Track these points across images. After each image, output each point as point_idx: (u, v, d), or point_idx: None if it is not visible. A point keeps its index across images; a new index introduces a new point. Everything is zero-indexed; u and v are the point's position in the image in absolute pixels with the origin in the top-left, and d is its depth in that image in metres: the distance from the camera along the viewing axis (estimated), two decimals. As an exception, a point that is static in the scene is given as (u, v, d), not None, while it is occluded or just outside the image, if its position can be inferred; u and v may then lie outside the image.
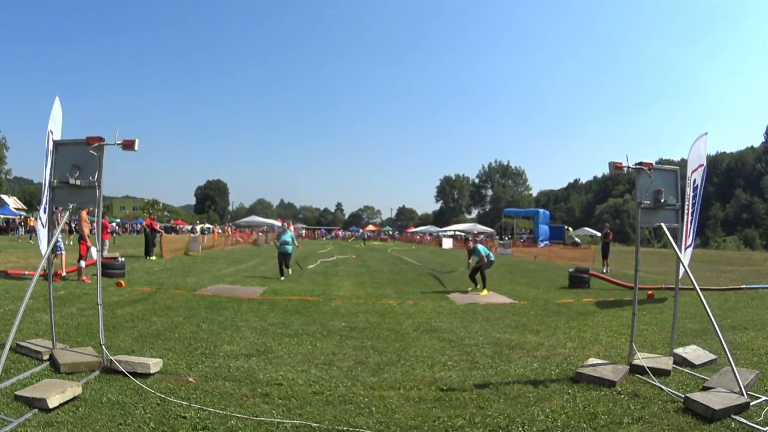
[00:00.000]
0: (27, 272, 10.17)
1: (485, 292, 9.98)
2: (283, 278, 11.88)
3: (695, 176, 5.20)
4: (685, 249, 5.33)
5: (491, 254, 10.49)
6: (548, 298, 9.43)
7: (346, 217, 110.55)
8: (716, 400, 3.37)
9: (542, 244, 37.61)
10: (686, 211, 5.05)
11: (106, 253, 12.12)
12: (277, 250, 12.63)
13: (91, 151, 4.06)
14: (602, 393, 3.81)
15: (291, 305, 7.87)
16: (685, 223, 5.04)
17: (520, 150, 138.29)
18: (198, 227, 40.31)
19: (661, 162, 5.20)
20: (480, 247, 10.47)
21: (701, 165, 5.33)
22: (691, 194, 5.13)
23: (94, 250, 10.06)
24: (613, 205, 72.84)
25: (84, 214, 10.34)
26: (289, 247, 12.47)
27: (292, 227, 17.84)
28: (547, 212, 53.61)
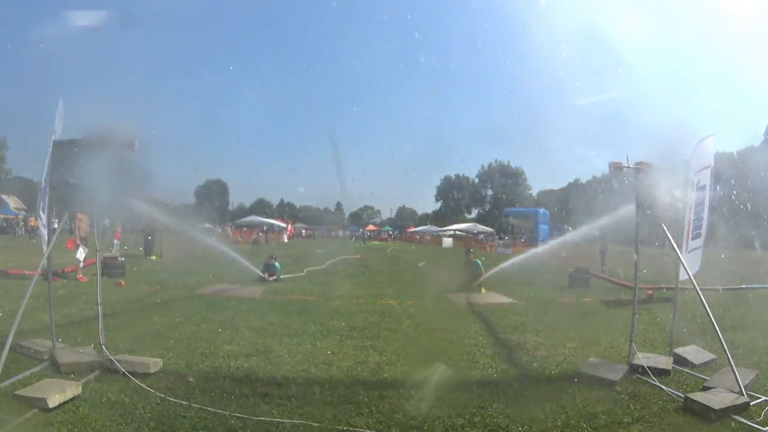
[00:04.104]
0: (27, 272, 10.16)
1: (484, 290, 10.02)
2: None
3: (700, 177, 5.15)
4: (691, 250, 5.29)
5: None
6: (548, 298, 9.42)
7: (346, 217, 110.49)
8: (716, 399, 3.37)
9: (543, 244, 37.57)
10: (689, 212, 5.03)
11: (116, 252, 12.07)
12: None
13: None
14: (602, 393, 3.81)
15: (291, 305, 7.86)
16: (687, 223, 5.02)
17: (520, 150, 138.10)
18: (198, 227, 40.20)
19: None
20: (479, 262, 10.64)
21: (708, 166, 5.27)
22: (694, 195, 5.09)
23: (81, 251, 9.95)
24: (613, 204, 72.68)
25: (80, 213, 10.28)
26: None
27: (291, 227, 17.77)
28: (547, 212, 53.53)
